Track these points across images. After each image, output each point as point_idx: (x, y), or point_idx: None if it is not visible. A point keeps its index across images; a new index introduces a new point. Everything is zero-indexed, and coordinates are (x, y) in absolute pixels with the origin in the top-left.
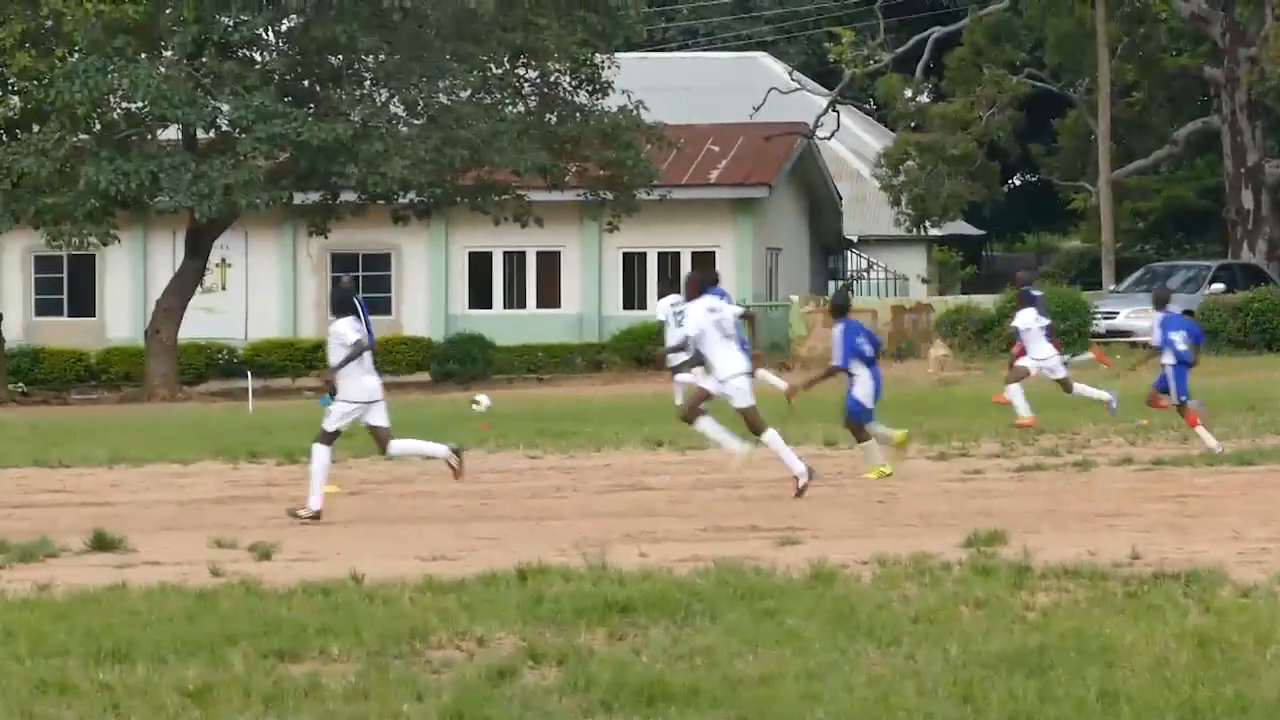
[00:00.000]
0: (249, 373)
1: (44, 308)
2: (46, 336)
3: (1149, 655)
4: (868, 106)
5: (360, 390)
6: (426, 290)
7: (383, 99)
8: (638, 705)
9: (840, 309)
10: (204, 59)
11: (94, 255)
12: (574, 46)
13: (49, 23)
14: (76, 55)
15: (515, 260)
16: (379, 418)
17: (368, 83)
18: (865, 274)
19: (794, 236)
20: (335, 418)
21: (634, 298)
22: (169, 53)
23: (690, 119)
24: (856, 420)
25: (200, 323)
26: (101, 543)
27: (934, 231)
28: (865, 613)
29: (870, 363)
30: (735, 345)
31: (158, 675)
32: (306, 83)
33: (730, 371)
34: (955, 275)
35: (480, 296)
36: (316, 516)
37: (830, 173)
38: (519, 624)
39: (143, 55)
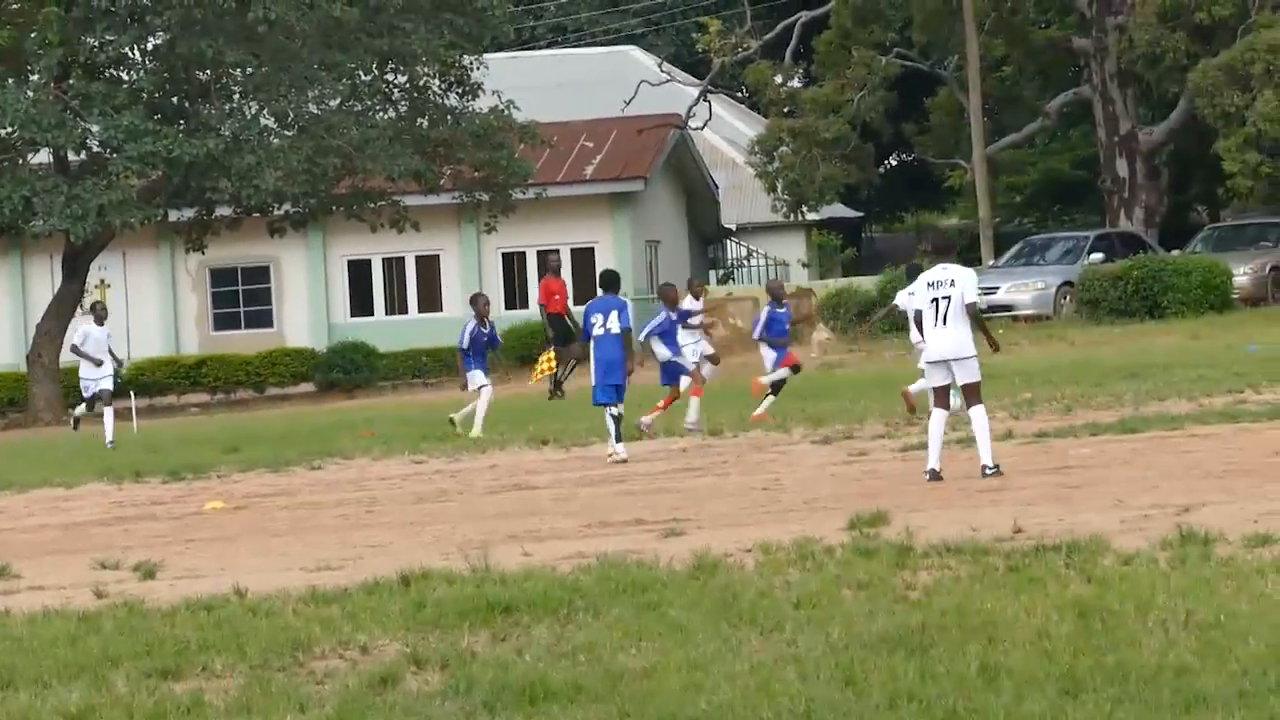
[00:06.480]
0: (132, 392)
1: None
2: None
3: (1030, 628)
4: (739, 95)
5: None
6: (307, 300)
7: (253, 112)
8: (520, 705)
9: None
10: (71, 80)
11: None
12: (441, 49)
13: None
14: None
15: (395, 266)
16: None
17: (237, 96)
18: (745, 262)
19: (672, 228)
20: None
21: (515, 297)
22: (36, 76)
23: (563, 116)
24: None
25: None
26: None
27: (811, 216)
28: (748, 600)
29: None
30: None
31: (40, 700)
32: (175, 99)
33: None
34: (835, 258)
35: (361, 304)
36: None
37: (705, 162)
38: (402, 630)
39: (9, 80)
